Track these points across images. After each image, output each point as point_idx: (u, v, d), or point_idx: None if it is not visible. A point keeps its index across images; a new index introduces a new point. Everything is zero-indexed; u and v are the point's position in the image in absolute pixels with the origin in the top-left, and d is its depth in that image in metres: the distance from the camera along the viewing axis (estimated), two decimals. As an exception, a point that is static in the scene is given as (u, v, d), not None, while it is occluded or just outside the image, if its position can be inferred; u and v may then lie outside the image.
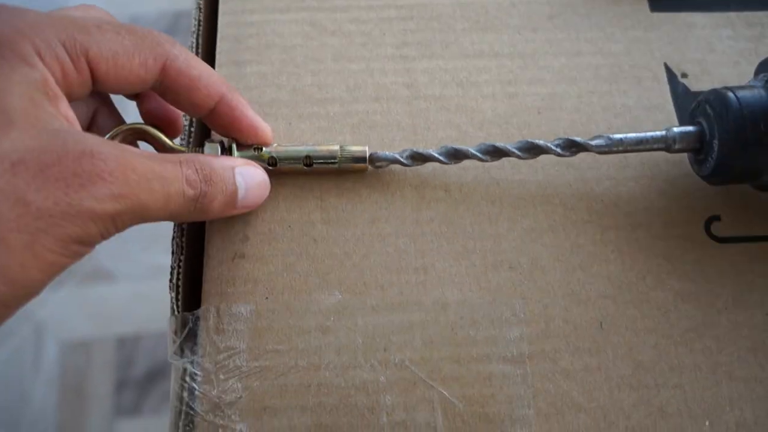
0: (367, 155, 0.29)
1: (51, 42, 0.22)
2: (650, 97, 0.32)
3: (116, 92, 0.26)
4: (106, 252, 0.92)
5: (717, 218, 0.30)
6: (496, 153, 0.29)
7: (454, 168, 0.30)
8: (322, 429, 0.26)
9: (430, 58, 0.33)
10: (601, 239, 0.29)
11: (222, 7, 0.34)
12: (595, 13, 0.34)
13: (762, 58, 0.33)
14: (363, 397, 0.26)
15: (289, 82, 0.32)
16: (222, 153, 0.28)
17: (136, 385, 0.86)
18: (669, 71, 0.33)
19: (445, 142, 0.31)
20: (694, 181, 0.30)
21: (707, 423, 0.26)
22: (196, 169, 0.25)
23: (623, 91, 0.32)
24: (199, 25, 0.33)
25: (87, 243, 0.22)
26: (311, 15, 0.34)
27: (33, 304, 0.24)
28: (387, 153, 0.29)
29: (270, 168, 0.29)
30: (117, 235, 0.23)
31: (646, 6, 0.35)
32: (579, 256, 0.29)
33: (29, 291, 0.21)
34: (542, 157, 0.29)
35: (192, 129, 0.31)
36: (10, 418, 0.86)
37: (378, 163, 0.29)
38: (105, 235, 0.22)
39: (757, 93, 0.26)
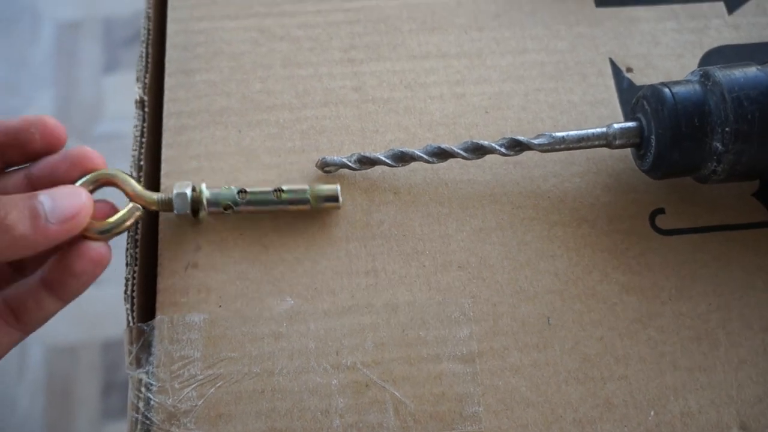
0: (339, 193, 0.29)
1: None
2: (595, 92, 0.33)
3: None
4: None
5: (661, 211, 0.30)
6: (442, 154, 0.29)
7: (402, 170, 0.30)
8: (276, 434, 0.26)
9: (378, 61, 0.33)
10: (548, 236, 0.30)
11: (171, 15, 0.34)
12: (541, 10, 0.35)
13: (706, 50, 0.34)
14: (316, 400, 0.27)
15: (239, 90, 0.32)
16: (192, 194, 0.28)
17: (123, 388, 0.87)
18: (614, 66, 0.33)
19: (394, 144, 0.31)
20: (638, 175, 0.30)
21: (652, 413, 0.27)
22: None
23: (569, 87, 0.33)
24: (148, 34, 0.33)
25: None
26: (259, 21, 0.34)
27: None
28: (336, 158, 0.30)
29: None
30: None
31: (591, 1, 0.35)
32: (526, 253, 0.29)
33: None
34: (489, 157, 0.30)
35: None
36: (-3, 425, 0.86)
37: (327, 168, 0.30)
38: None
39: (692, 88, 0.27)
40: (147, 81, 0.32)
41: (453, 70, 0.33)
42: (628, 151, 0.31)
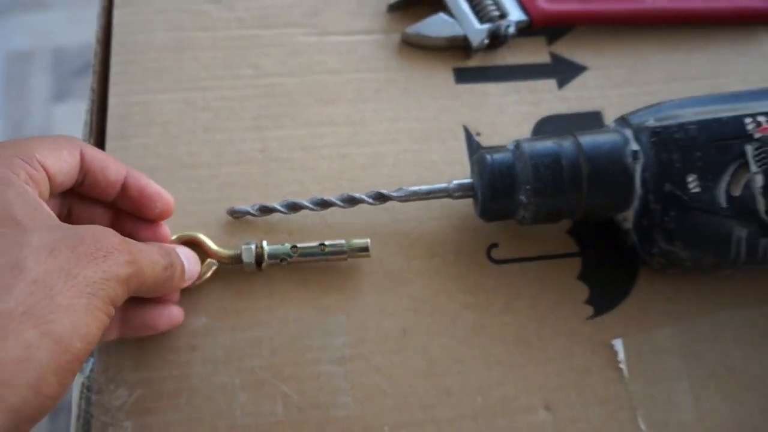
0: (369, 245, 0.37)
1: (12, 161, 0.28)
2: (451, 153, 0.42)
3: (64, 182, 0.31)
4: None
5: (496, 245, 0.39)
6: (324, 204, 0.38)
7: (295, 216, 0.39)
8: (191, 421, 0.34)
9: (281, 128, 0.42)
10: (407, 266, 0.38)
11: (112, 90, 0.42)
12: (412, 87, 0.44)
13: (540, 117, 0.43)
14: (222, 396, 0.35)
15: (167, 152, 0.40)
16: (256, 251, 0.36)
17: (69, 410, 0.91)
18: (467, 131, 0.43)
19: (290, 196, 0.39)
20: (478, 218, 0.39)
21: (479, 398, 0.36)
22: (159, 246, 0.32)
23: (431, 148, 0.42)
24: (92, 104, 0.41)
25: (116, 304, 0.26)
26: (185, 95, 0.42)
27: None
28: (242, 207, 0.38)
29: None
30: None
31: (452, 79, 0.44)
32: (390, 280, 0.38)
33: (92, 347, 0.25)
34: (363, 204, 0.39)
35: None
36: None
37: (235, 215, 0.38)
38: (124, 298, 0.27)
39: (506, 155, 0.36)
40: (91, 144, 0.40)
41: (340, 135, 0.42)
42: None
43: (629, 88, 0.45)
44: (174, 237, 0.37)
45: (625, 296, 0.39)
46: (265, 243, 0.37)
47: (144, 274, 0.28)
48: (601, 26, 0.47)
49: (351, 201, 0.38)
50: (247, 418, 0.34)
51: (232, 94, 0.42)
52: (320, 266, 0.38)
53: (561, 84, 0.45)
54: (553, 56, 0.46)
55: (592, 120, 0.44)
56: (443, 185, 0.38)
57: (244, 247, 0.36)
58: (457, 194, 0.38)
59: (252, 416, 0.34)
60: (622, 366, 0.37)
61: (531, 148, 0.36)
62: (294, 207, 0.38)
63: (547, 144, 0.36)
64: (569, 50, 0.46)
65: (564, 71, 0.45)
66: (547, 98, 0.44)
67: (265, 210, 0.38)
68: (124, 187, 0.34)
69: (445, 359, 0.36)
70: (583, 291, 0.39)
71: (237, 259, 0.37)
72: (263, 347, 0.36)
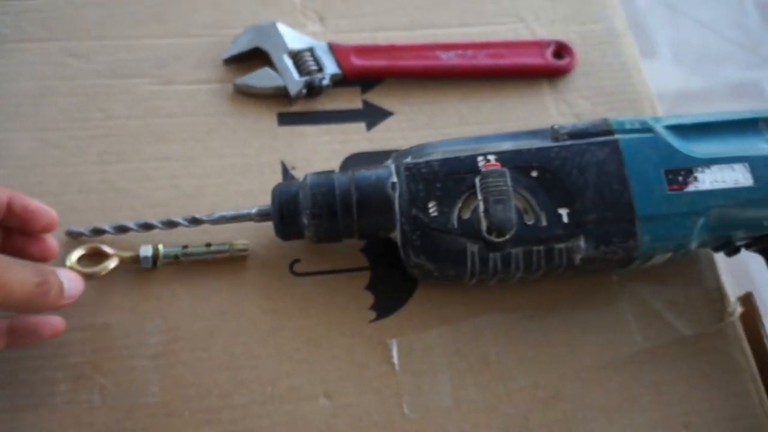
0: (248, 245, 0.46)
1: None
2: (268, 184, 0.49)
3: None
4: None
5: (298, 261, 0.47)
6: (147, 227, 0.45)
7: (126, 236, 0.46)
8: (15, 409, 0.40)
9: (123, 162, 0.49)
10: (219, 277, 0.46)
11: (-24, 129, 0.49)
12: (240, 128, 0.52)
13: (347, 154, 0.52)
14: (46, 386, 0.41)
15: (18, 182, 0.47)
16: (153, 252, 0.44)
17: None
18: (284, 166, 0.51)
19: (126, 220, 0.47)
20: (282, 238, 0.47)
21: (270, 388, 0.43)
22: (34, 266, 0.37)
23: (251, 180, 0.50)
24: (-41, 142, 0.48)
25: None
26: (40, 134, 0.49)
27: None
28: (78, 228, 0.45)
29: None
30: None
31: (275, 122, 0.53)
32: (202, 288, 0.45)
33: None
34: (181, 227, 0.46)
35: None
36: None
37: (73, 235, 0.45)
38: None
39: (294, 186, 0.44)
40: (-47, 175, 0.47)
41: (173, 168, 0.49)
42: (280, 223, 0.47)
43: (428, 131, 0.54)
44: (82, 253, 0.44)
45: (404, 303, 0.47)
46: (161, 246, 0.45)
47: (11, 287, 0.34)
48: (407, 79, 0.56)
49: (170, 224, 0.45)
50: (66, 405, 0.41)
51: (82, 134, 0.50)
52: (143, 276, 0.45)
53: (369, 126, 0.54)
54: (365, 103, 0.55)
55: (392, 157, 0.52)
56: (246, 210, 0.46)
57: (141, 247, 0.44)
58: (257, 218, 0.45)
59: (70, 404, 0.41)
60: (395, 361, 0.45)
61: (313, 180, 0.44)
62: (122, 229, 0.45)
63: (327, 177, 0.44)
64: (379, 98, 0.55)
65: (373, 116, 0.54)
66: (355, 138, 0.53)
67: (98, 231, 0.45)
68: (9, 207, 0.40)
69: (243, 355, 0.44)
70: (369, 299, 0.47)
71: (136, 259, 0.44)
72: (86, 346, 0.43)
